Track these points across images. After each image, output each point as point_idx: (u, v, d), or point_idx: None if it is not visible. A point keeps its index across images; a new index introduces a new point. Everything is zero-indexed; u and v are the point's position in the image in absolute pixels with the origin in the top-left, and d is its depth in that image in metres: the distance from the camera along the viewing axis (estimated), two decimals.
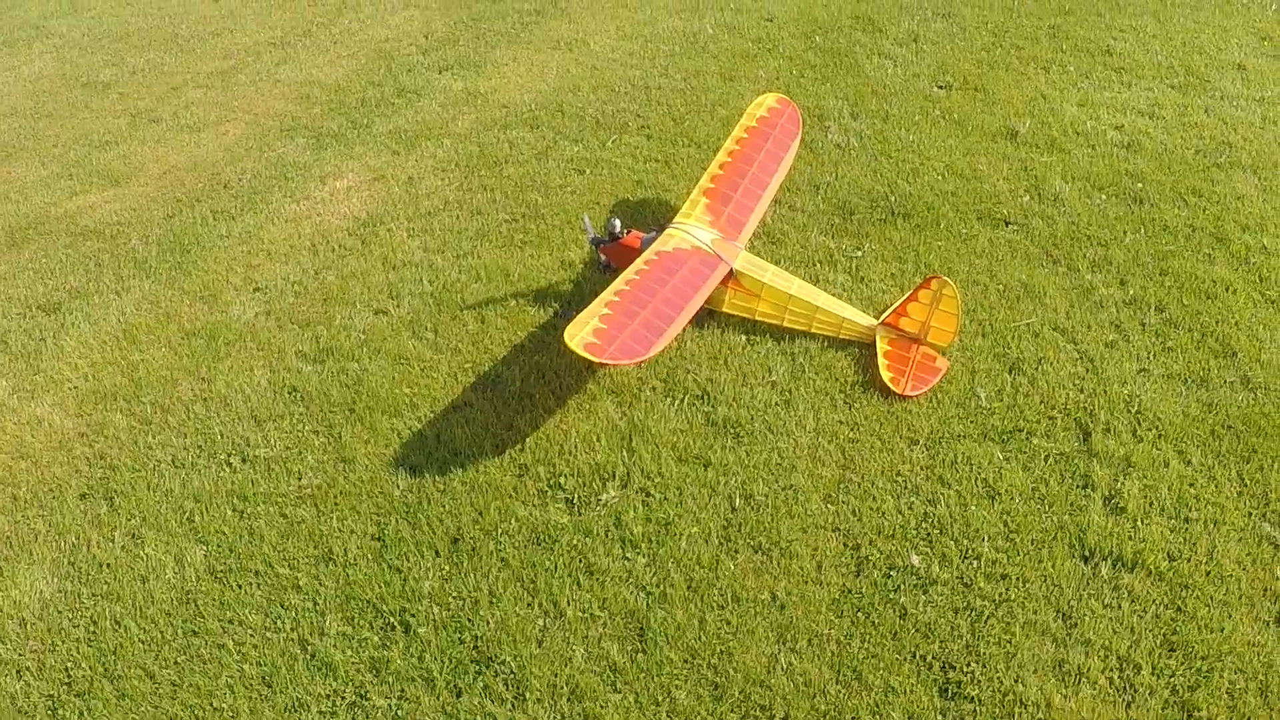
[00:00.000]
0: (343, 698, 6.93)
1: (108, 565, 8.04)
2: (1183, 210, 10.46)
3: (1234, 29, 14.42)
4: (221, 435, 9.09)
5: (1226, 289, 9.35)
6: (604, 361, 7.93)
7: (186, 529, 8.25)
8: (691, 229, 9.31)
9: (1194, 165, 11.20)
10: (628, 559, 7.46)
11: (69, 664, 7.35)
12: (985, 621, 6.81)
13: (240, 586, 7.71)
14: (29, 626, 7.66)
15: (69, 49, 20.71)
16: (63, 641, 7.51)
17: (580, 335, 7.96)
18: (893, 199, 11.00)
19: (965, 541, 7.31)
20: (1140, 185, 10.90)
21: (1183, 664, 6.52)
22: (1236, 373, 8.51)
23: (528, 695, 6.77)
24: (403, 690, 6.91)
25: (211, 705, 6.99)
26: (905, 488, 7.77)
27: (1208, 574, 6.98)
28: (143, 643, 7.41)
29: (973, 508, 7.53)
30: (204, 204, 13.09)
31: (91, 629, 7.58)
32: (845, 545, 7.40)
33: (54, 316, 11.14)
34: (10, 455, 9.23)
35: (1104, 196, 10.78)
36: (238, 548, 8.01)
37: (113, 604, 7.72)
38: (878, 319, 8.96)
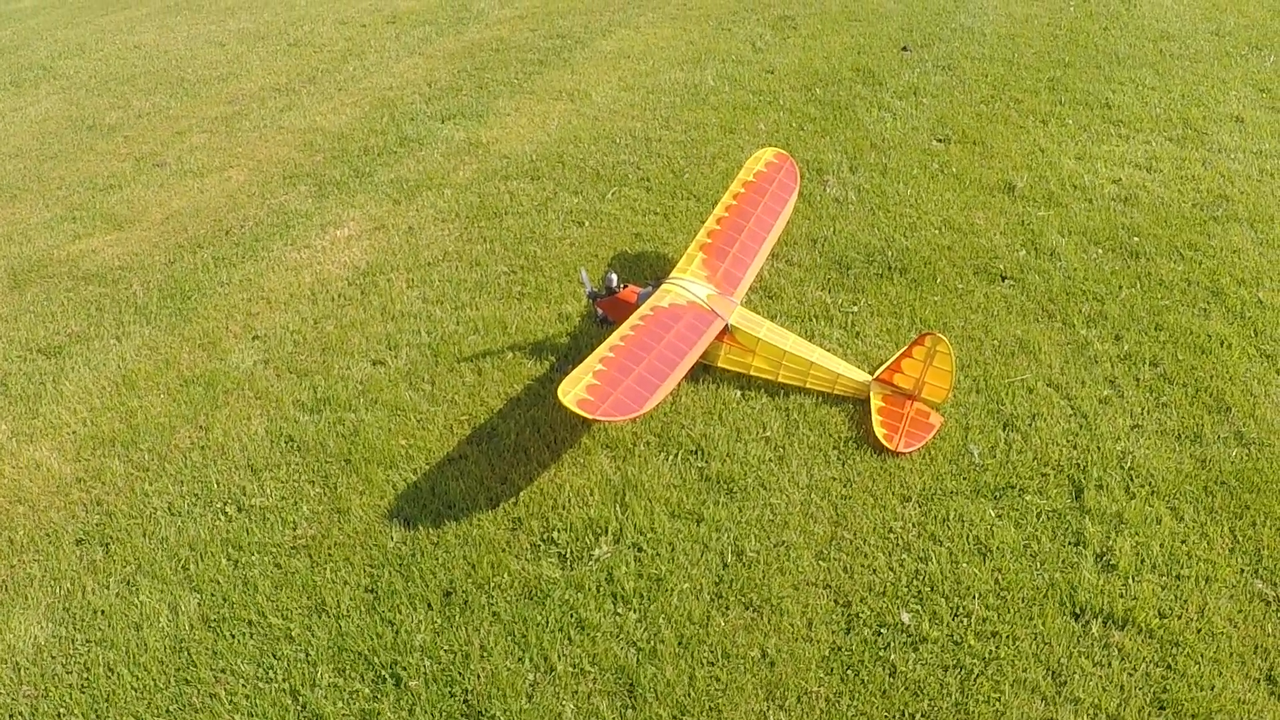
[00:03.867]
0: None
1: (102, 612, 8.04)
2: (1179, 264, 10.49)
3: (1233, 81, 14.51)
4: (218, 484, 9.10)
5: (1221, 344, 9.37)
6: (597, 418, 7.95)
7: (181, 577, 8.25)
8: (688, 284, 9.35)
9: (1191, 219, 11.25)
10: (619, 614, 7.44)
11: (61, 710, 7.33)
12: (975, 680, 6.78)
13: (233, 636, 7.69)
14: (23, 672, 7.65)
15: (75, 91, 20.90)
16: (56, 687, 7.49)
17: (574, 392, 7.97)
18: (889, 254, 11.05)
19: (956, 599, 7.30)
20: (1137, 239, 10.94)
21: None
22: (1230, 428, 8.51)
23: None
24: None
25: None
26: (897, 545, 7.75)
27: (1198, 631, 6.95)
28: (135, 690, 7.39)
29: (964, 565, 7.53)
30: (205, 250, 13.16)
31: (84, 675, 7.56)
32: (836, 602, 7.38)
33: (54, 360, 11.19)
34: (7, 499, 9.26)
35: (1100, 251, 10.82)
36: (231, 597, 8.00)
37: (106, 651, 7.70)
38: (872, 375, 8.98)
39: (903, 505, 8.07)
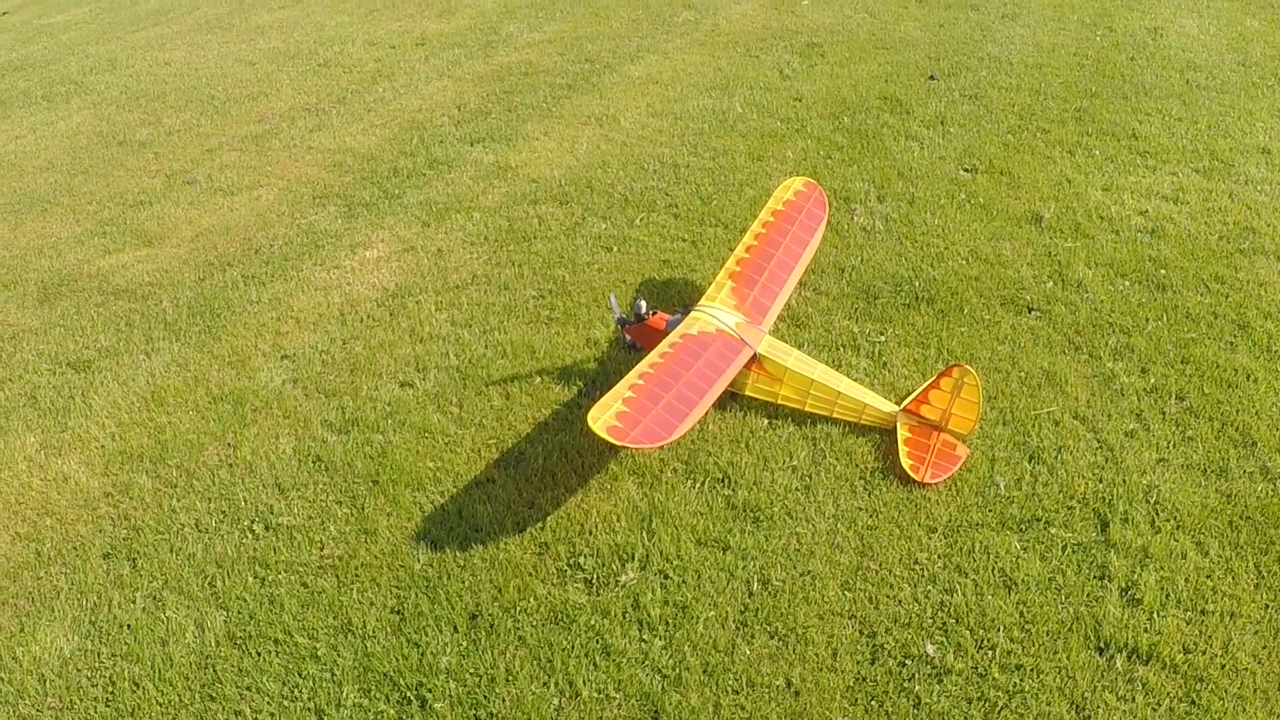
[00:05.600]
0: None
1: (128, 626, 8.07)
2: (1205, 297, 10.50)
3: (1259, 113, 14.54)
4: (245, 502, 9.14)
5: (1247, 377, 9.37)
6: (626, 445, 7.96)
7: (208, 594, 8.28)
8: (716, 312, 9.37)
9: (1217, 251, 11.27)
10: (644, 641, 7.44)
11: None
12: (999, 713, 6.76)
13: (259, 654, 7.71)
14: (48, 683, 7.68)
15: (106, 106, 20.99)
16: (80, 700, 7.52)
17: (603, 418, 7.98)
18: (917, 283, 11.07)
19: (981, 631, 7.29)
20: (1163, 271, 10.94)
21: None
22: (1256, 463, 8.50)
23: None
24: None
25: None
26: (922, 576, 7.75)
27: (1223, 667, 6.93)
28: (160, 705, 7.42)
29: (989, 597, 7.52)
30: (235, 268, 13.24)
31: (110, 689, 7.59)
32: (861, 633, 7.38)
33: (83, 375, 11.26)
34: (36, 511, 9.31)
35: (1127, 283, 10.83)
36: (258, 615, 8.03)
37: (132, 665, 7.73)
38: (899, 405, 8.98)
39: (928, 536, 8.06)
